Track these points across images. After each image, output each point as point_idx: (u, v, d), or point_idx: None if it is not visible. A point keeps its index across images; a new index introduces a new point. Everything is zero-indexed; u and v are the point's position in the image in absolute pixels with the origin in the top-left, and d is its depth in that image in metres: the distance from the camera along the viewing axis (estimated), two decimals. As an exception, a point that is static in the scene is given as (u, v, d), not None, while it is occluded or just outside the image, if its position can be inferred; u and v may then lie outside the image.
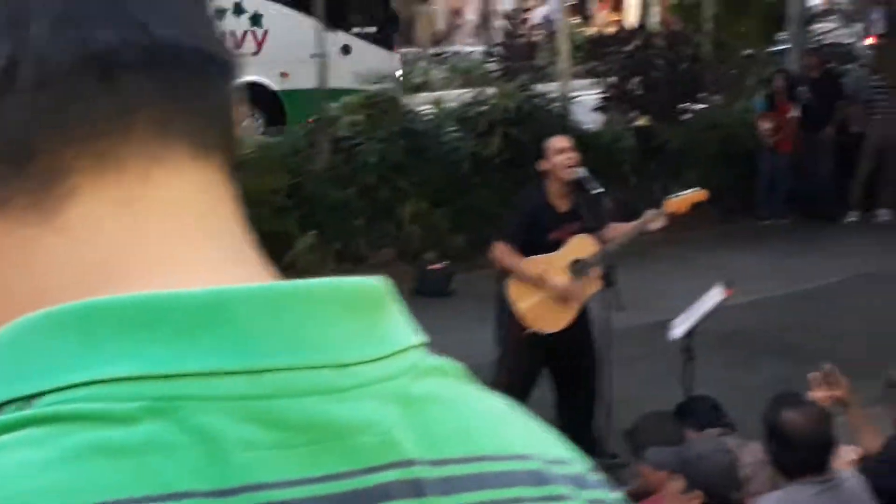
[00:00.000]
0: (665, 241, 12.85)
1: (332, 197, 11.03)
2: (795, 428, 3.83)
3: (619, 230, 6.84)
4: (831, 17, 15.70)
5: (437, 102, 12.47)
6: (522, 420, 0.79)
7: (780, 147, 13.63)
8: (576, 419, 6.98)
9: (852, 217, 13.84)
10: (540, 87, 12.98)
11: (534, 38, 14.67)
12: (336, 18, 13.50)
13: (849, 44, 17.31)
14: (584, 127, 12.98)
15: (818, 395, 4.62)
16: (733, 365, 8.63)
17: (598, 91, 14.62)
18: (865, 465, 4.50)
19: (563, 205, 6.68)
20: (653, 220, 6.74)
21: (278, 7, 13.92)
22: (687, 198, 6.86)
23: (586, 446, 6.82)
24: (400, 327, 0.76)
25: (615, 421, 6.65)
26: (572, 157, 6.61)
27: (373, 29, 14.88)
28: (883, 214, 13.89)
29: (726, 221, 13.83)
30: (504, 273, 6.71)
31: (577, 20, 24.25)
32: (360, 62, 13.91)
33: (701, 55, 14.44)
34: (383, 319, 0.74)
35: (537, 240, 6.62)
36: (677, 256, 11.71)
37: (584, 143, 12.45)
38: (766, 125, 13.54)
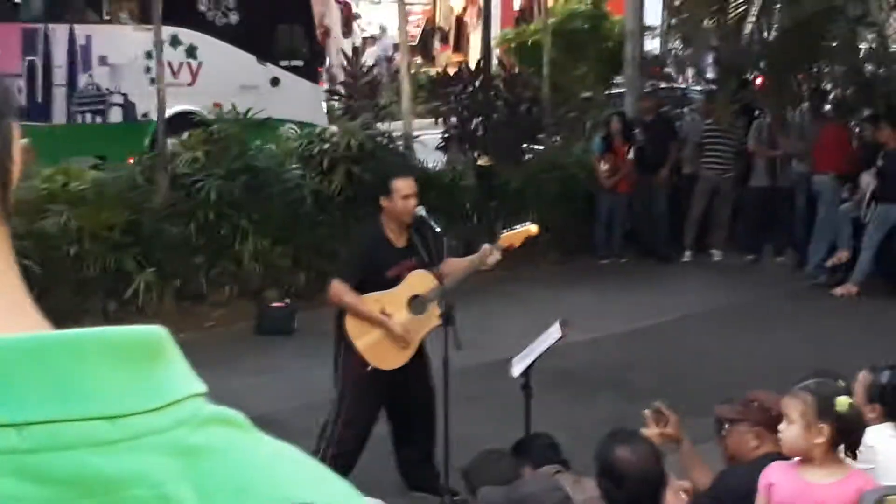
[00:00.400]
0: (504, 280, 13.00)
1: (170, 234, 10.84)
2: (627, 465, 3.89)
3: (456, 265, 6.87)
4: (666, 62, 16.12)
5: (279, 139, 12.39)
6: (305, 467, 0.78)
7: (616, 188, 13.92)
8: (415, 457, 6.97)
9: (686, 257, 14.20)
10: (383, 126, 13.01)
11: (376, 78, 14.74)
12: (266, 52, 14.91)
13: (682, 88, 17.84)
14: (427, 166, 13.04)
15: (650, 432, 4.70)
16: (572, 402, 8.74)
17: (441, 131, 14.76)
18: (695, 501, 4.59)
19: (400, 241, 6.68)
20: (489, 255, 6.78)
21: (212, 40, 14.23)
22: (521, 232, 6.94)
23: (427, 484, 6.83)
24: (178, 376, 0.73)
25: (455, 459, 6.65)
26: (414, 202, 6.62)
27: (300, 62, 15.41)
28: (715, 254, 14.29)
29: (565, 261, 14.05)
30: (342, 311, 6.67)
31: (419, 60, 24.48)
32: (287, 94, 14.82)
33: (540, 97, 14.68)
34: (160, 369, 0.72)
35: (375, 276, 6.60)
36: (516, 295, 11.84)
37: (427, 181, 12.59)
38: (603, 166, 13.82)
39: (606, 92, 17.18)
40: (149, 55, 13.02)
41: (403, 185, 6.62)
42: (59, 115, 14.13)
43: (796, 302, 12.29)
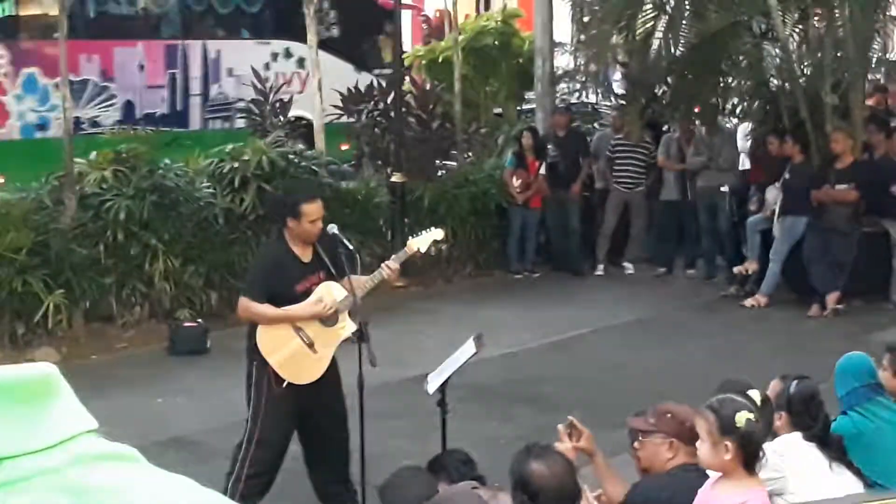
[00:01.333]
0: (419, 296, 13.03)
1: (79, 255, 10.67)
2: (541, 479, 3.90)
3: (359, 282, 6.80)
4: (577, 78, 16.25)
5: (189, 158, 12.26)
6: (199, 498, 0.76)
7: (529, 203, 14.00)
8: (330, 477, 6.92)
9: (599, 270, 14.31)
10: (293, 144, 12.94)
11: (287, 95, 14.70)
12: (362, 61, 17.11)
13: (593, 103, 18.00)
14: (339, 183, 13.00)
15: (563, 446, 4.72)
16: (488, 416, 8.76)
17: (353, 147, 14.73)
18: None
19: (305, 255, 6.65)
20: (397, 260, 6.78)
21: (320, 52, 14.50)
22: (427, 237, 6.95)
23: (345, 502, 6.79)
24: (68, 414, 0.72)
25: (372, 476, 6.62)
26: (320, 227, 6.59)
27: (389, 70, 16.00)
28: (628, 268, 14.42)
29: (479, 276, 14.10)
30: (253, 329, 6.62)
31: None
32: None
33: (452, 113, 14.73)
34: (50, 408, 0.70)
35: (284, 292, 6.56)
36: (431, 310, 11.85)
37: (340, 198, 12.57)
38: (515, 182, 13.89)
39: (518, 108, 17.28)
40: (266, 66, 15.57)
41: (312, 210, 6.58)
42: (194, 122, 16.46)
43: (707, 314, 12.46)
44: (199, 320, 11.09)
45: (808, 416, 5.13)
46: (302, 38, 14.39)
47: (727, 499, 3.96)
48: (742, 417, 4.04)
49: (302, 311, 6.52)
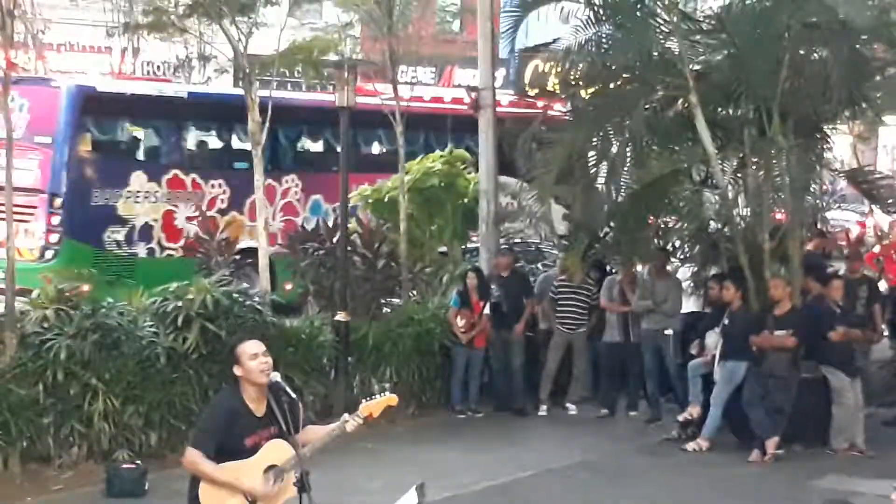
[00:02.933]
0: (361, 436, 12.81)
1: (18, 395, 10.54)
2: None
3: (315, 434, 6.81)
4: (521, 218, 16.45)
5: (132, 296, 12.22)
6: None
7: (473, 342, 14.05)
8: None
9: (542, 411, 14.32)
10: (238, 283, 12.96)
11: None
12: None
13: (538, 243, 18.20)
14: (283, 322, 12.99)
15: None
16: (429, 566, 8.64)
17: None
18: None
19: (259, 409, 6.61)
20: (349, 424, 6.76)
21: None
22: (381, 402, 6.94)
23: None
24: None
25: None
26: (266, 361, 6.58)
27: None
28: (571, 409, 14.45)
29: (422, 415, 14.06)
30: (195, 479, 6.54)
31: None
32: None
33: (397, 252, 14.83)
34: None
35: (233, 445, 6.50)
36: (374, 452, 11.77)
37: (284, 337, 12.55)
38: (460, 321, 13.96)
39: (463, 247, 17.42)
40: None
41: (249, 346, 6.58)
42: None
43: (649, 457, 12.49)
44: (138, 461, 10.92)
45: None
46: None
47: None
48: None
49: (247, 486, 6.46)
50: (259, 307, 12.30)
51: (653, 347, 13.83)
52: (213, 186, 17.94)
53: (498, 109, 16.01)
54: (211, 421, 6.75)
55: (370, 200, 17.10)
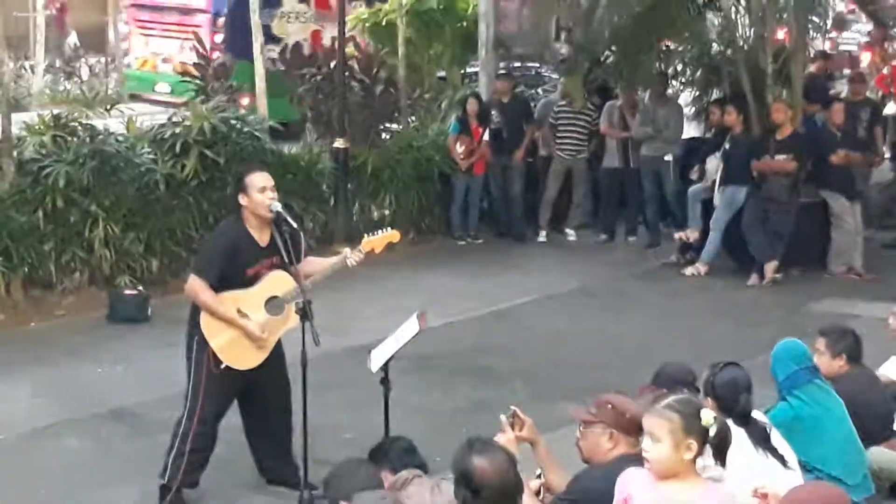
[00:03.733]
0: (361, 263, 12.97)
1: (18, 221, 10.53)
2: (483, 474, 3.93)
3: (316, 266, 6.82)
4: (523, 42, 16.22)
5: (129, 123, 12.12)
6: None
7: (473, 169, 14.00)
8: (272, 451, 6.93)
9: (542, 237, 14.36)
10: (235, 109, 12.82)
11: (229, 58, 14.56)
12: None
13: (537, 68, 17.99)
14: (282, 149, 12.91)
15: (505, 437, 4.76)
16: (430, 388, 8.79)
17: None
18: (552, 503, 4.67)
19: (263, 239, 6.61)
20: (350, 259, 6.77)
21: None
22: (383, 238, 6.94)
23: (285, 478, 6.81)
24: None
25: (313, 450, 6.64)
26: (273, 196, 6.55)
27: None
28: (570, 235, 14.48)
29: (421, 242, 14.11)
30: (197, 307, 6.57)
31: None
32: None
33: (395, 78, 14.65)
34: None
35: (234, 274, 6.52)
36: (373, 278, 11.80)
37: (283, 164, 12.49)
38: (459, 148, 13.87)
39: (462, 72, 17.22)
40: None
41: (258, 179, 6.55)
42: None
43: (648, 282, 12.56)
44: (140, 288, 10.99)
45: (731, 400, 5.23)
46: None
47: (683, 497, 3.99)
48: (708, 416, 4.09)
49: (243, 324, 6.49)
50: (257, 134, 12.20)
51: (652, 173, 13.77)
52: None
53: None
54: (213, 250, 6.76)
55: (367, 24, 16.82)
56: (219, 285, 6.48)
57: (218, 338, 6.47)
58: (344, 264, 6.75)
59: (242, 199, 6.54)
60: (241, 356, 6.54)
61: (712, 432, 4.07)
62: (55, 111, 11.89)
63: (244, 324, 6.49)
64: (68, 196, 10.79)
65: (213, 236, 7.23)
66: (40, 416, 8.31)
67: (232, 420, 7.29)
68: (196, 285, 6.52)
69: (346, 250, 6.81)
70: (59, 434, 7.99)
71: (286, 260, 6.54)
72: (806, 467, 5.49)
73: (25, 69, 21.72)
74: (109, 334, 10.38)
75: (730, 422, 4.62)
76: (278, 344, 6.76)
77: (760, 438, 5.12)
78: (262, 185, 6.53)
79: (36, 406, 8.53)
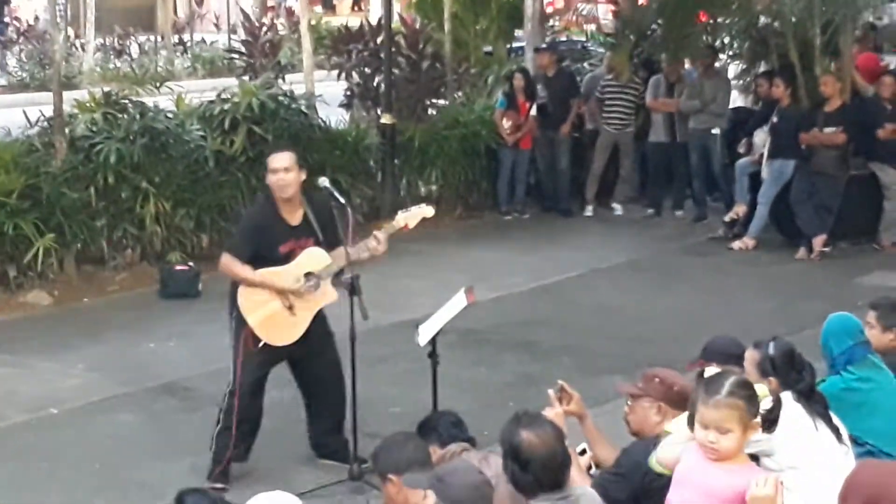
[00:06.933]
0: (408, 238, 12.95)
1: (70, 198, 10.68)
2: (531, 448, 3.96)
3: (348, 252, 6.74)
4: (566, 16, 16.17)
5: (179, 100, 12.23)
6: None
7: (519, 144, 14.01)
8: (328, 424, 7.00)
9: (588, 212, 14.35)
10: (284, 85, 12.89)
11: (277, 35, 14.60)
12: None
13: (584, 42, 17.92)
14: (330, 125, 12.99)
15: (553, 411, 4.78)
16: (478, 363, 8.83)
17: (343, 85, 14.68)
18: (599, 477, 4.70)
19: (294, 218, 6.66)
20: (385, 233, 6.76)
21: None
22: (416, 213, 6.91)
23: (335, 453, 6.88)
24: None
25: (363, 423, 6.71)
26: (283, 178, 6.57)
27: None
28: (616, 209, 14.47)
29: (468, 217, 14.15)
30: (235, 283, 6.66)
31: (319, 9, 24.22)
32: None
33: (441, 53, 14.67)
34: None
35: (267, 253, 6.57)
36: (421, 253, 11.89)
37: (330, 140, 12.57)
38: (506, 123, 13.88)
39: (507, 46, 17.20)
40: None
41: (272, 160, 6.61)
42: None
43: (696, 256, 12.52)
44: (191, 263, 11.11)
45: (795, 372, 5.16)
46: None
47: (732, 479, 3.90)
48: (763, 391, 4.02)
49: (278, 282, 6.54)
50: (305, 110, 12.27)
51: (699, 147, 13.71)
52: None
53: None
54: (241, 229, 6.88)
55: (414, 0, 16.83)
56: (253, 263, 6.55)
57: (255, 314, 6.54)
58: (373, 245, 6.70)
59: (268, 178, 6.63)
60: (278, 332, 6.61)
61: (767, 405, 4.02)
62: (106, 89, 12.02)
63: (279, 283, 6.52)
64: (119, 173, 10.93)
65: (243, 215, 7.34)
66: (93, 390, 8.43)
67: (281, 395, 7.39)
68: (227, 259, 6.61)
69: (375, 232, 6.76)
70: (112, 408, 8.10)
71: (321, 238, 6.59)
72: (857, 441, 5.46)
73: (76, 47, 21.95)
74: (161, 309, 10.51)
75: (788, 395, 4.61)
76: (324, 321, 6.81)
77: (821, 411, 5.05)
78: (273, 167, 6.58)
79: (89, 381, 8.65)
